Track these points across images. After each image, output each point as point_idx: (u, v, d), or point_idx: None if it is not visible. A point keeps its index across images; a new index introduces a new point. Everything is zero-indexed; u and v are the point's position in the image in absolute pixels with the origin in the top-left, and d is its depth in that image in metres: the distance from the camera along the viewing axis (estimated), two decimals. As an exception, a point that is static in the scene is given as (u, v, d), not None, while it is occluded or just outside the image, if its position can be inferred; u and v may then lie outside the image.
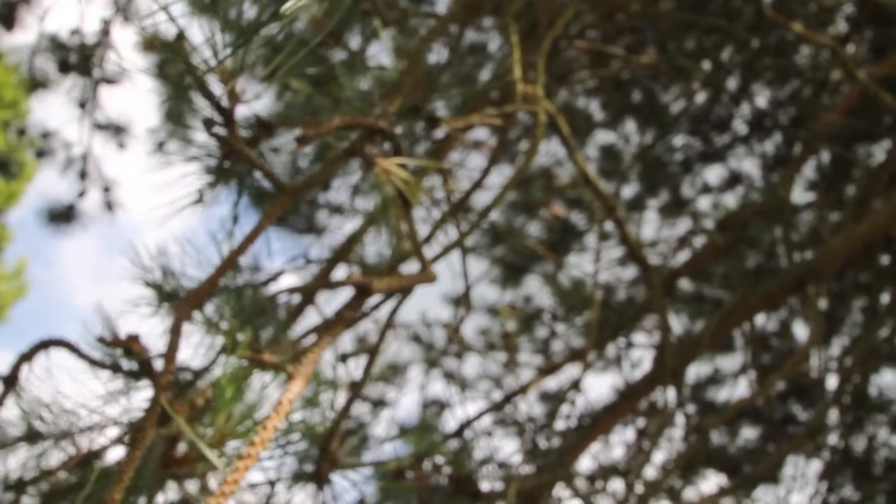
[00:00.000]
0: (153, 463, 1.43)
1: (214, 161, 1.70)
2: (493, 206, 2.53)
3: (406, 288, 2.61)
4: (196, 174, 1.76)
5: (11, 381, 1.81)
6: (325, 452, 2.21)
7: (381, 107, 1.72)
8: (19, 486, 1.85)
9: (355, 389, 2.66)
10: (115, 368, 1.81)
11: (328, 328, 1.49)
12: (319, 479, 2.21)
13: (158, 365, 1.64)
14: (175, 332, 1.48)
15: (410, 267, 2.26)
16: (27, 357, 1.80)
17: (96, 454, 1.86)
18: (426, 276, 1.81)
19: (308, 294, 2.35)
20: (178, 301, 1.94)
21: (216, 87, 1.54)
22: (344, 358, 2.81)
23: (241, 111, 1.59)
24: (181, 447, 1.41)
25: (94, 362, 1.81)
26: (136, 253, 2.06)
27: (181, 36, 1.45)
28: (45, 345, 1.81)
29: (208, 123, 1.54)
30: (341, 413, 2.48)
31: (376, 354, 2.74)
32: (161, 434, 1.48)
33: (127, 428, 1.76)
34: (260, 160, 1.60)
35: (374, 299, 2.85)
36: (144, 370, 1.60)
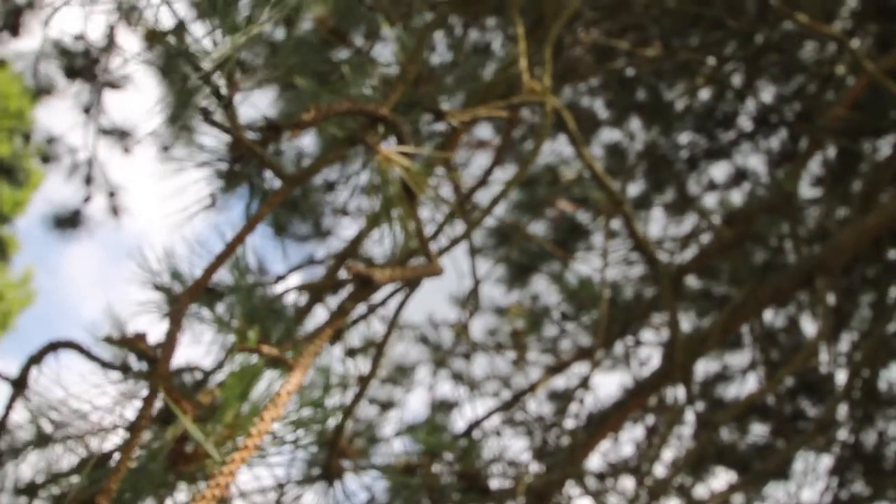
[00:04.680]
0: (161, 460, 1.43)
1: (224, 165, 1.70)
2: (502, 196, 2.52)
3: (411, 280, 2.60)
4: (207, 179, 1.75)
5: (20, 383, 1.81)
6: (334, 447, 2.20)
7: (384, 96, 1.70)
8: (31, 490, 1.84)
9: (364, 383, 2.65)
10: (125, 369, 1.80)
11: (329, 321, 1.48)
12: (330, 473, 2.20)
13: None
14: (175, 322, 1.48)
15: (417, 262, 2.24)
16: (36, 359, 1.80)
17: (108, 456, 1.85)
18: (432, 268, 1.77)
19: (316, 292, 2.35)
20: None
21: (216, 77, 1.54)
22: (352, 353, 2.80)
23: (243, 106, 1.59)
24: (190, 445, 1.40)
25: (103, 363, 1.80)
26: (144, 256, 2.05)
27: (181, 26, 1.45)
28: (53, 347, 1.80)
29: (205, 112, 1.54)
30: (350, 407, 2.47)
31: (384, 348, 2.73)
32: (170, 432, 1.47)
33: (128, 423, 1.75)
34: (258, 147, 1.59)
35: (381, 294, 2.86)
36: (151, 368, 1.59)
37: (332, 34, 2.12)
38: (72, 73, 5.61)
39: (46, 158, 6.05)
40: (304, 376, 1.33)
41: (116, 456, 1.89)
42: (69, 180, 6.02)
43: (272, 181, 1.78)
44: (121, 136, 5.89)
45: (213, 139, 1.65)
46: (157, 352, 1.63)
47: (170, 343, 1.49)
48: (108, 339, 1.60)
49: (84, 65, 5.56)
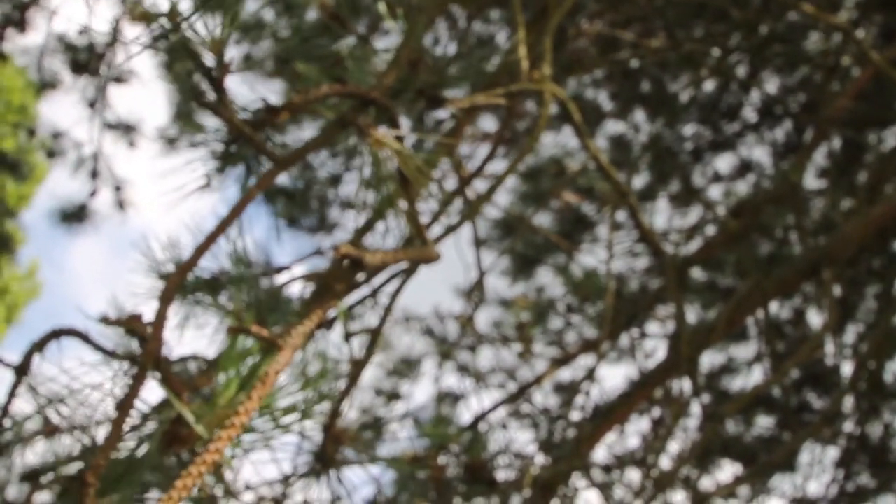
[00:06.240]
0: (155, 442, 1.42)
1: (221, 145, 1.69)
2: (502, 179, 2.51)
3: (405, 263, 2.59)
4: (202, 159, 1.75)
5: (23, 370, 1.80)
6: (328, 431, 2.19)
7: (377, 79, 1.69)
8: (34, 477, 1.84)
9: (359, 367, 2.65)
10: (130, 358, 1.80)
11: (319, 302, 1.47)
12: (324, 459, 2.20)
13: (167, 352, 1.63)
14: (164, 301, 1.48)
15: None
16: (39, 346, 1.79)
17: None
18: (427, 253, 1.75)
19: (321, 283, 2.34)
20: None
21: (207, 59, 1.54)
22: (349, 336, 2.80)
23: (244, 89, 1.58)
24: (185, 428, 1.39)
25: (106, 352, 1.80)
26: (148, 245, 2.05)
27: (174, 9, 1.46)
28: (56, 334, 1.80)
29: (198, 93, 1.54)
30: (345, 390, 2.47)
31: (380, 332, 2.73)
32: (164, 414, 1.47)
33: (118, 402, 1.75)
34: (250, 129, 1.59)
35: (380, 280, 2.86)
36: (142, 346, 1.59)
37: (332, 19, 2.12)
38: (77, 67, 5.62)
39: (52, 153, 6.07)
40: (292, 356, 1.33)
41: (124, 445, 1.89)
42: (75, 174, 6.03)
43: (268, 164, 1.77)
44: (126, 130, 5.90)
45: (213, 121, 1.64)
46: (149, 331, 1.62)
47: (159, 320, 1.49)
48: (104, 320, 1.60)
49: (89, 59, 5.57)
